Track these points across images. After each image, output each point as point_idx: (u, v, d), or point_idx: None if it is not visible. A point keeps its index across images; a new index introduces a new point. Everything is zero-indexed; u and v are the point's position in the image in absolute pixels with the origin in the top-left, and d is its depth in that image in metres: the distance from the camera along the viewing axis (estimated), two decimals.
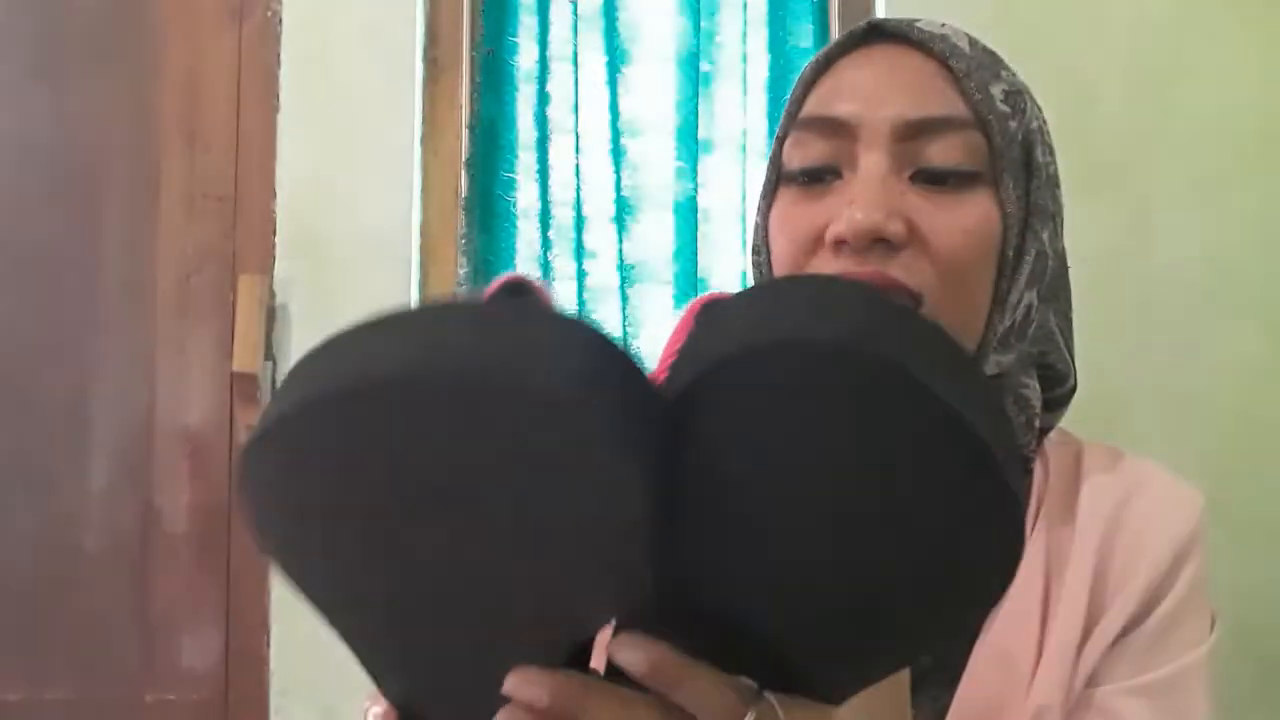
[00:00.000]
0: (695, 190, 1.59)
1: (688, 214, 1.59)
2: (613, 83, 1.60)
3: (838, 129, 0.62)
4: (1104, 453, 0.67)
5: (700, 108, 1.60)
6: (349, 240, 1.55)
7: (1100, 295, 1.52)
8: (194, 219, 1.57)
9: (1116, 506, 0.63)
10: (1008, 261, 0.62)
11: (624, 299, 1.59)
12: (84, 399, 1.56)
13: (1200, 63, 1.56)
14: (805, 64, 0.68)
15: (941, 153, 0.61)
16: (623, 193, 1.60)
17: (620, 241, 1.59)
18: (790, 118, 0.65)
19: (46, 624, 1.54)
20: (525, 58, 1.60)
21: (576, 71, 1.59)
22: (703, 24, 1.61)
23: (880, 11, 1.58)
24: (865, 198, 0.59)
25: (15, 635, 1.53)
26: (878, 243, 0.59)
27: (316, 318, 1.54)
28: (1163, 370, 1.52)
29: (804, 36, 1.59)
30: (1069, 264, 0.68)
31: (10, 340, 1.57)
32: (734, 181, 1.61)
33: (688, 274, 1.59)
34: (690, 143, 1.59)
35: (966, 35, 0.64)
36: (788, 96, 0.68)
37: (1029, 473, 0.65)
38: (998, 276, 0.62)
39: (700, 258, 1.60)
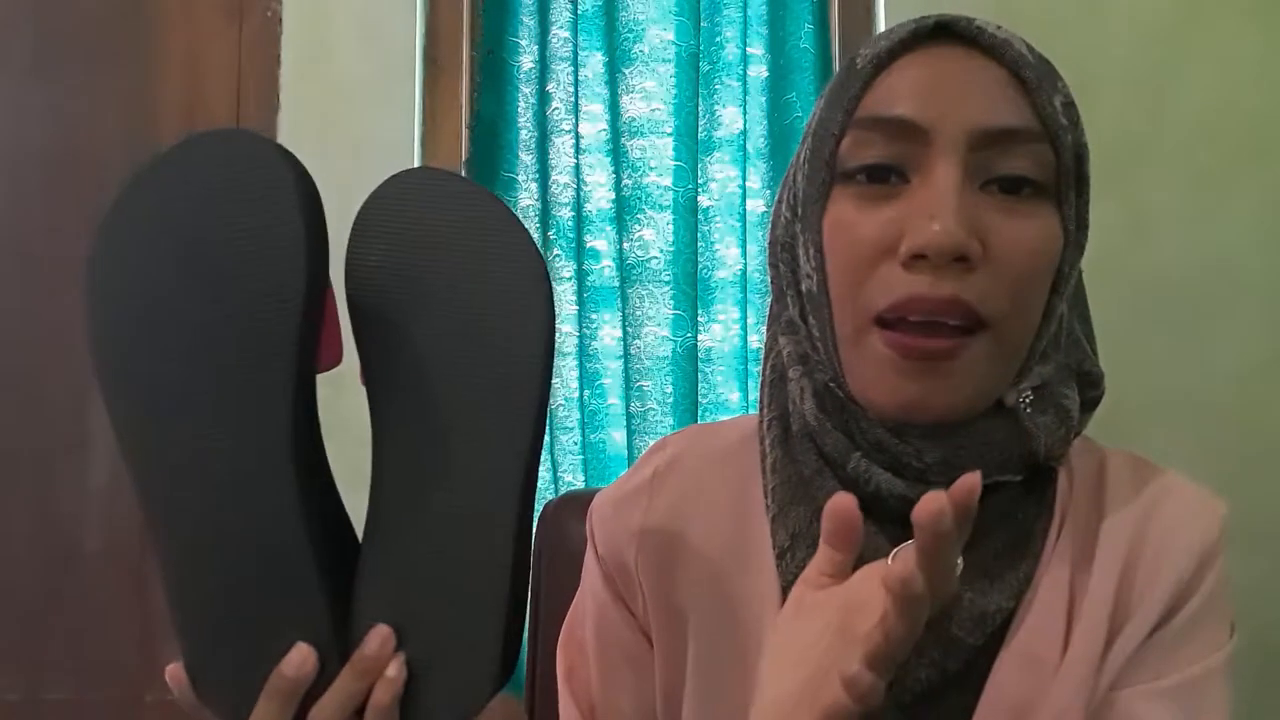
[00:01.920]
0: (695, 190, 1.59)
1: (688, 214, 1.59)
2: (613, 83, 1.60)
3: (908, 131, 0.59)
4: (1128, 462, 0.67)
5: (700, 108, 1.60)
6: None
7: (1100, 295, 1.52)
8: None
9: (1141, 517, 0.63)
10: (1062, 277, 0.62)
11: (624, 299, 1.58)
12: (84, 399, 1.55)
13: (1200, 62, 1.56)
14: (859, 54, 0.64)
15: (1013, 164, 0.59)
16: (623, 193, 1.60)
17: (620, 241, 1.59)
18: (848, 114, 0.61)
19: (46, 624, 1.54)
20: (525, 58, 1.60)
21: (576, 71, 1.59)
22: (703, 24, 1.61)
23: (881, 12, 1.58)
24: (946, 213, 0.57)
25: (15, 635, 1.53)
26: (955, 260, 0.57)
27: None
28: (1162, 370, 1.52)
29: (804, 36, 1.59)
30: None
31: (11, 339, 1.57)
32: (734, 181, 1.61)
33: (688, 274, 1.59)
34: (690, 143, 1.59)
35: (1024, 41, 0.63)
36: (832, 91, 0.64)
37: (1053, 481, 0.65)
38: (1050, 292, 0.62)
39: (700, 258, 1.60)
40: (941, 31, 0.62)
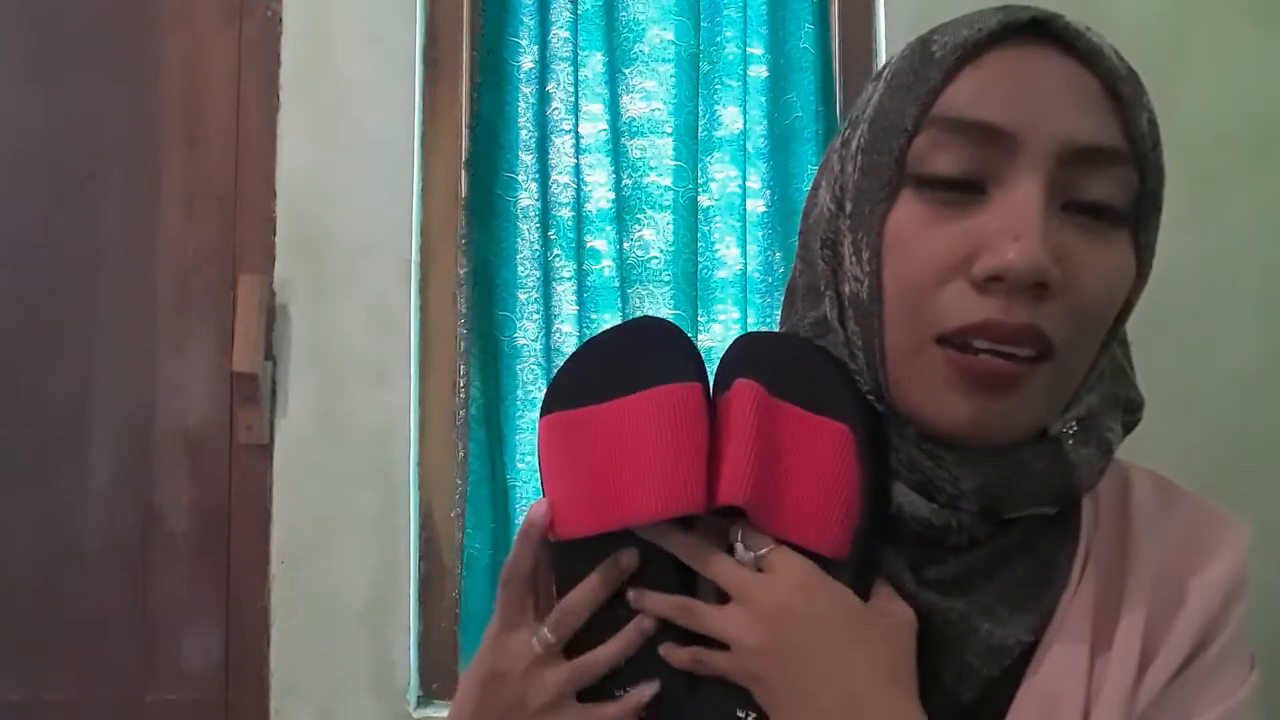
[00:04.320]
0: (695, 190, 1.59)
1: (688, 214, 1.59)
2: (613, 83, 1.60)
3: (995, 138, 0.54)
4: (1152, 486, 0.64)
5: (700, 108, 1.60)
6: (349, 240, 1.55)
7: None
8: (194, 219, 1.57)
9: (1169, 550, 0.61)
10: (1128, 308, 0.59)
11: (624, 299, 1.58)
12: (84, 399, 1.56)
13: (1200, 62, 1.56)
14: (933, 40, 0.58)
15: (1098, 188, 0.55)
16: (623, 193, 1.60)
17: (620, 241, 1.59)
18: (924, 108, 0.55)
19: (46, 624, 1.54)
20: (525, 58, 1.60)
21: (576, 71, 1.59)
22: (703, 24, 1.61)
23: (880, 12, 1.58)
24: (1029, 235, 0.52)
25: (15, 635, 1.53)
26: (1034, 285, 0.53)
27: (316, 318, 1.54)
28: (1162, 371, 1.51)
29: (804, 36, 1.59)
30: None
31: (10, 340, 1.57)
32: (734, 181, 1.61)
33: (688, 274, 1.59)
34: (690, 143, 1.59)
35: (1113, 48, 0.58)
36: (901, 75, 0.58)
37: (1077, 508, 0.62)
38: (1114, 322, 0.59)
39: (700, 258, 1.60)
40: (1034, 27, 0.56)
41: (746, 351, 0.63)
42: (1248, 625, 0.61)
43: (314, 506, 1.52)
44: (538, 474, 0.64)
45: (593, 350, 0.65)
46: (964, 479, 0.57)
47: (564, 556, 0.62)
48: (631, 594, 0.60)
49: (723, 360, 0.63)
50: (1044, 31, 0.56)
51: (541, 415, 0.64)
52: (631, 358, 0.62)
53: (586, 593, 0.60)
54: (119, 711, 1.53)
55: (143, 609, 1.53)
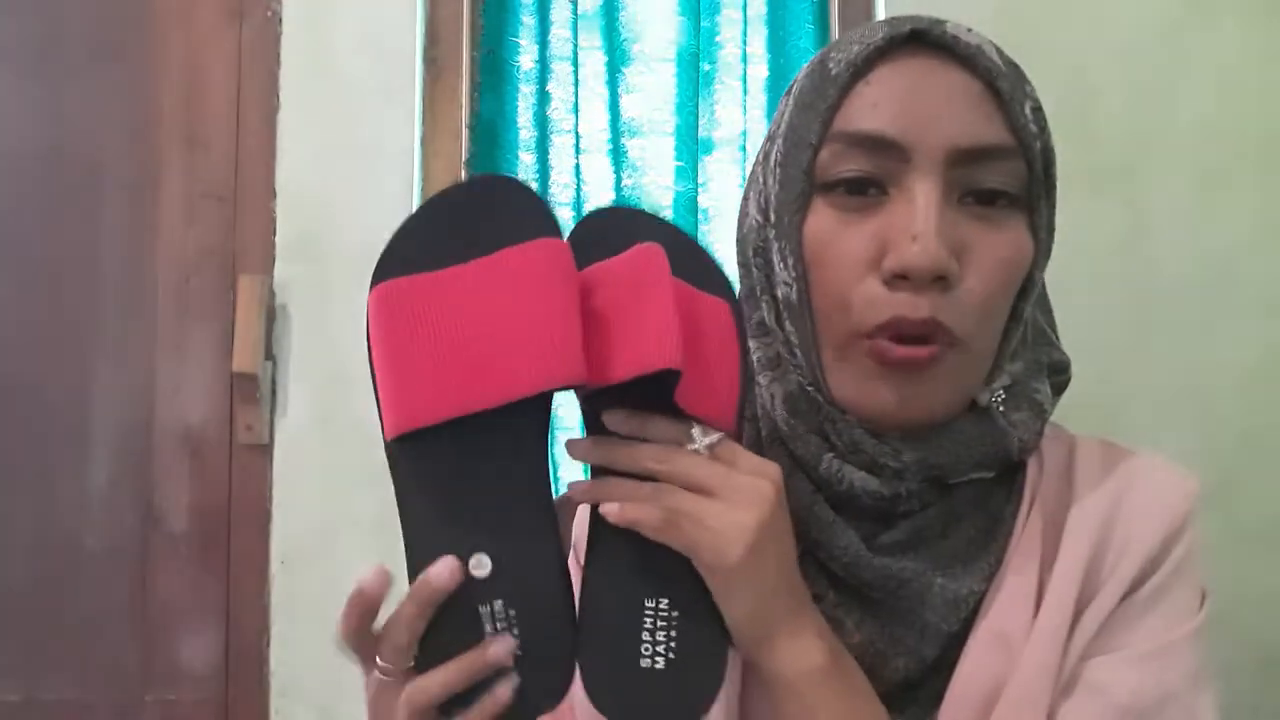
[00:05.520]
0: (695, 190, 1.59)
1: (688, 214, 1.59)
2: (613, 83, 1.60)
3: (888, 148, 0.60)
4: (1097, 447, 0.68)
5: (700, 108, 1.60)
6: (349, 240, 1.55)
7: (1100, 295, 1.53)
8: (194, 219, 1.57)
9: (1111, 499, 0.64)
10: (1032, 283, 0.64)
11: None
12: (84, 399, 1.56)
13: (1200, 63, 1.56)
14: (830, 57, 0.64)
15: (988, 178, 0.61)
16: (623, 193, 1.60)
17: None
18: (824, 125, 0.62)
19: (46, 624, 1.54)
20: (525, 58, 1.60)
21: (576, 71, 1.59)
22: (703, 24, 1.61)
23: (880, 12, 1.58)
24: (927, 233, 0.58)
25: (15, 635, 1.53)
26: (935, 279, 0.58)
27: (316, 318, 1.54)
28: (1163, 370, 1.52)
29: (804, 36, 1.59)
30: (1070, 262, 0.69)
31: (10, 340, 1.57)
32: (734, 181, 1.61)
33: None
34: (690, 143, 1.59)
35: (993, 45, 0.63)
36: (804, 93, 0.64)
37: (1023, 468, 0.66)
38: (1019, 298, 0.64)
39: None
40: (915, 38, 0.62)
41: (612, 224, 0.61)
42: (1193, 564, 0.63)
43: (314, 506, 1.52)
44: (369, 361, 0.55)
45: (432, 211, 0.57)
46: (905, 452, 0.62)
47: (407, 454, 0.54)
48: (589, 445, 0.58)
49: (580, 234, 0.61)
50: (924, 40, 0.61)
51: (374, 285, 0.55)
52: (481, 215, 0.56)
53: (402, 621, 0.55)
54: (119, 711, 1.53)
55: (143, 609, 1.53)
